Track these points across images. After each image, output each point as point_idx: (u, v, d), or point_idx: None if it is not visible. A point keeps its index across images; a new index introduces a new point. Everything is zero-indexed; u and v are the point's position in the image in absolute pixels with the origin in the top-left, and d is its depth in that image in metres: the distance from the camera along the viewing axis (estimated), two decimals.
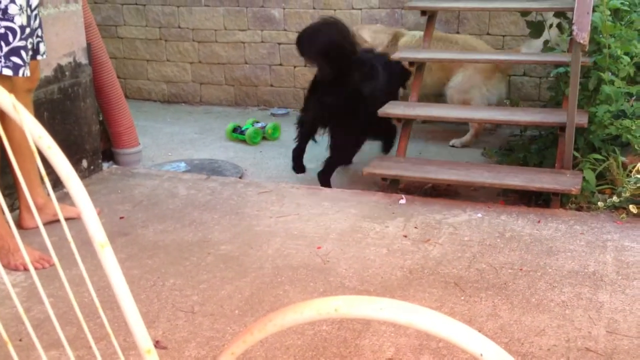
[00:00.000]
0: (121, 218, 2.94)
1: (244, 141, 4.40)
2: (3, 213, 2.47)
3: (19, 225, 2.77)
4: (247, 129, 4.45)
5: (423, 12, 4.04)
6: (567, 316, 2.13)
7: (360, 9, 4.85)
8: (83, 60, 3.38)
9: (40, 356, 0.98)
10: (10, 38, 2.28)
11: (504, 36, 4.59)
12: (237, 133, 4.47)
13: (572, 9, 2.99)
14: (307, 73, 5.13)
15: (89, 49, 3.44)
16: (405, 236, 2.74)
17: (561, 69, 3.63)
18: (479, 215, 2.95)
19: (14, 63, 2.30)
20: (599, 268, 2.45)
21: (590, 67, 3.35)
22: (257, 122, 4.56)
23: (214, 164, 3.93)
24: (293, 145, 3.79)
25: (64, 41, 3.24)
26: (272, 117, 5.06)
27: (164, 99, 5.56)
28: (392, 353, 1.93)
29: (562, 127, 3.18)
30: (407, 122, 3.63)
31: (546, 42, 3.91)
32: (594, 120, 3.23)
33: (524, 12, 4.09)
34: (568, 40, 3.69)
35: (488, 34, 4.62)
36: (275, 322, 0.80)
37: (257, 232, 2.78)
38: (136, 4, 5.36)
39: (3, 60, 2.27)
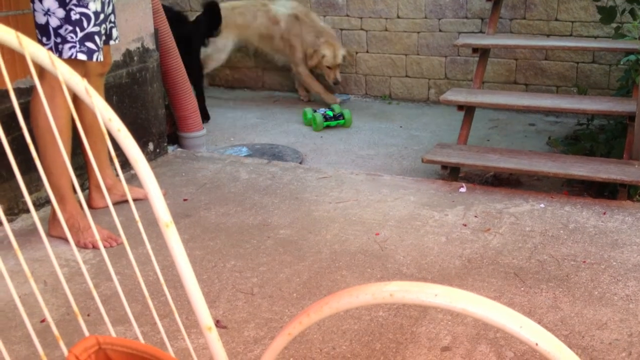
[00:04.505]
0: (185, 200, 3.02)
1: (304, 126, 4.44)
2: (75, 193, 2.57)
3: (88, 204, 2.87)
4: None
5: None
6: (630, 310, 2.08)
7: None
8: (150, 45, 3.47)
9: (107, 330, 1.03)
10: (85, 24, 2.35)
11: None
12: None
13: None
14: (368, 59, 5.12)
15: (157, 35, 3.52)
16: (465, 225, 2.71)
17: (632, 57, 3.51)
18: (542, 205, 2.89)
19: (88, 48, 2.37)
20: None
21: None
22: None
23: (275, 149, 3.98)
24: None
25: (133, 27, 3.33)
26: None
27: (227, 84, 5.65)
28: (449, 341, 1.93)
29: (631, 117, 3.08)
30: (469, 109, 3.59)
31: (617, 27, 3.78)
32: None
33: None
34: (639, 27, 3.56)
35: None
36: (331, 305, 0.81)
37: (315, 217, 2.81)
38: None
39: (78, 46, 2.35)
